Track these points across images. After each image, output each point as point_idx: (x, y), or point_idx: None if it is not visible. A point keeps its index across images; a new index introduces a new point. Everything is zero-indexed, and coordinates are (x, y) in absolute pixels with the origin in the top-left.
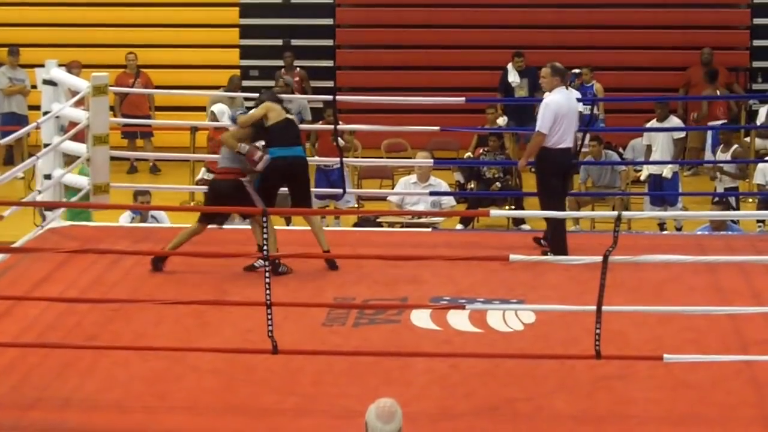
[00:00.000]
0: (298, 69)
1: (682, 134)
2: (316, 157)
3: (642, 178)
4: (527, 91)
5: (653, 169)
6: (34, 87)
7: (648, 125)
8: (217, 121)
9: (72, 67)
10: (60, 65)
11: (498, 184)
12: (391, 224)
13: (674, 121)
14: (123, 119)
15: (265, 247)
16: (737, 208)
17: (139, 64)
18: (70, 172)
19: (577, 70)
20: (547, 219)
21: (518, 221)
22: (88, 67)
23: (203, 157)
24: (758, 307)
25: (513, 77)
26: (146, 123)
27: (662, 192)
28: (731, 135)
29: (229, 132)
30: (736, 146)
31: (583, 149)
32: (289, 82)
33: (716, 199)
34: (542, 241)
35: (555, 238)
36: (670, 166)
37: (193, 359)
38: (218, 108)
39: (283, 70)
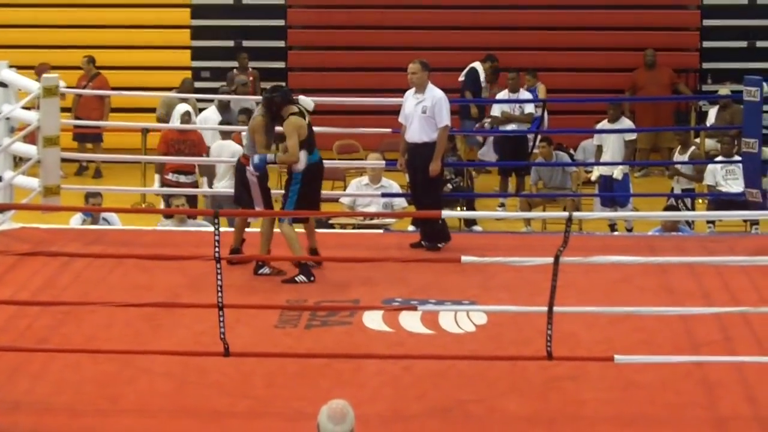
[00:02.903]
0: (251, 69)
1: (634, 136)
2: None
3: (593, 178)
4: (489, 93)
5: (603, 170)
6: None
7: (599, 126)
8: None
9: (42, 70)
10: (12, 66)
11: (449, 185)
12: (343, 226)
13: (626, 122)
14: (75, 121)
15: (216, 249)
16: (693, 209)
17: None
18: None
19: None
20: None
21: (470, 222)
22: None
23: (154, 159)
24: (709, 307)
25: (483, 78)
26: (96, 125)
27: (613, 193)
28: (688, 136)
29: (257, 144)
30: (693, 148)
31: (534, 150)
32: (244, 82)
33: (669, 202)
34: (424, 242)
35: (441, 230)
36: (620, 167)
37: (145, 362)
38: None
39: (236, 70)
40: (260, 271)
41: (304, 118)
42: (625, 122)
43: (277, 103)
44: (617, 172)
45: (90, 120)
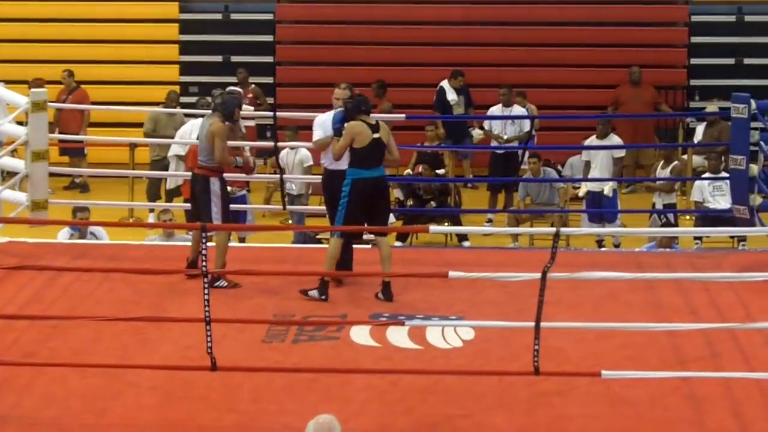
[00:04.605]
0: (252, 86)
1: (623, 153)
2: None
3: (580, 194)
4: (463, 108)
5: (592, 186)
6: None
7: (587, 142)
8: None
9: (37, 85)
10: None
11: (433, 203)
12: None
13: (615, 139)
14: (60, 135)
15: (204, 263)
16: (676, 223)
17: (79, 80)
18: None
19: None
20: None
21: (461, 237)
22: (26, 83)
23: (142, 174)
24: (696, 323)
25: (451, 95)
26: (86, 139)
27: (601, 209)
28: (672, 152)
29: (217, 149)
30: (675, 162)
31: (522, 166)
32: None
33: (663, 220)
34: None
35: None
36: (610, 184)
37: (132, 376)
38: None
39: (239, 86)
40: (216, 284)
41: (375, 131)
42: (615, 139)
43: (349, 110)
44: (607, 189)
45: (70, 134)
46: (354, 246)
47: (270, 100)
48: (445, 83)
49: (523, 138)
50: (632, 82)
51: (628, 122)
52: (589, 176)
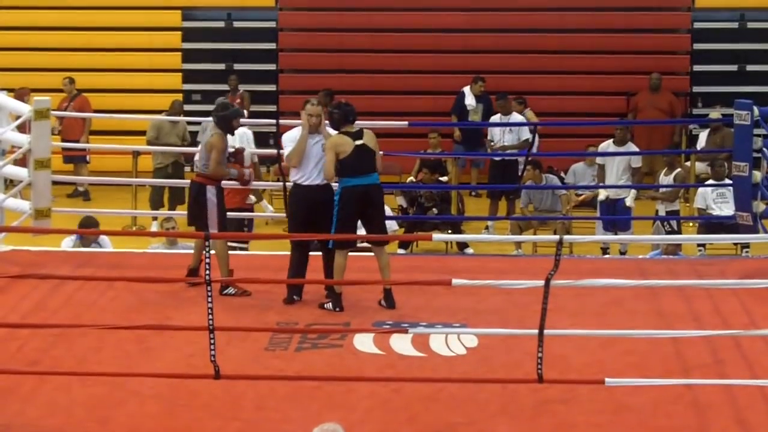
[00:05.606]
0: (240, 91)
1: (640, 162)
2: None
3: (601, 198)
4: (481, 116)
5: (612, 193)
6: None
7: (602, 146)
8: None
9: (22, 94)
10: (2, 89)
11: (434, 210)
12: None
13: (632, 147)
14: (63, 143)
15: (207, 272)
16: (679, 231)
17: (81, 88)
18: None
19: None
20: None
21: (462, 245)
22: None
23: (145, 182)
24: (699, 330)
25: (470, 100)
26: (89, 147)
27: (614, 216)
28: (675, 159)
29: (212, 161)
30: (678, 169)
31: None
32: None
33: (668, 227)
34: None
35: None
36: (632, 194)
37: (135, 384)
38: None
39: (229, 94)
40: (225, 292)
41: (358, 138)
42: (632, 147)
43: (336, 119)
44: (629, 200)
45: (73, 141)
46: (353, 254)
47: (252, 108)
48: (466, 89)
49: (521, 146)
50: (652, 88)
51: (644, 129)
52: (605, 182)
